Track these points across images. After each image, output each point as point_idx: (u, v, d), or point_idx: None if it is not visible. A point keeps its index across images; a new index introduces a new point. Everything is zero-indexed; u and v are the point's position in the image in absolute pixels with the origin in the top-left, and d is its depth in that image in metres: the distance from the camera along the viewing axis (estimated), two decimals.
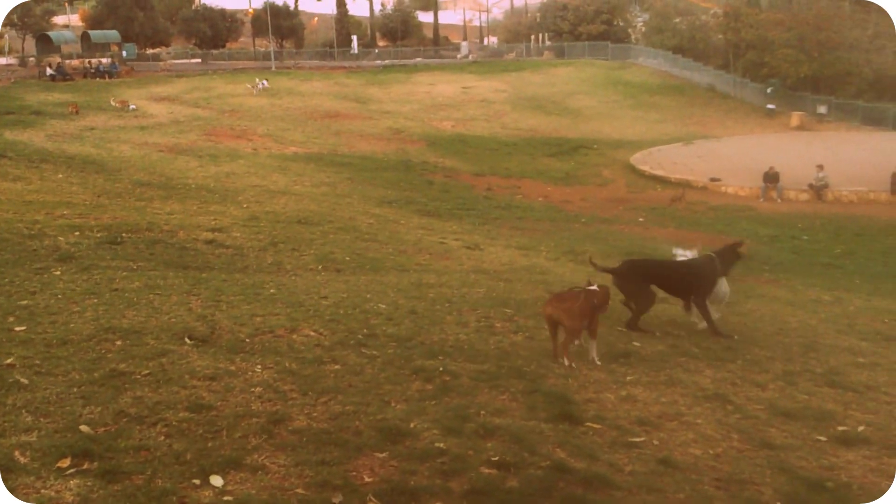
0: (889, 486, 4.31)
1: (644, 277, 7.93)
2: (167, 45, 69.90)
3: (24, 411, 4.38)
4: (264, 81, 44.48)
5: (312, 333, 6.53)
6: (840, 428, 5.47)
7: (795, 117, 42.73)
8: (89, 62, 50.80)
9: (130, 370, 5.18)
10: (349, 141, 33.62)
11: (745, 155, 32.50)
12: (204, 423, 4.47)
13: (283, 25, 72.36)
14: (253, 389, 5.06)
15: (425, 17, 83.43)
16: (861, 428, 5.48)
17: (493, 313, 7.94)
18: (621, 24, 65.23)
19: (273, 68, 55.22)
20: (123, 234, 11.03)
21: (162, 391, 4.88)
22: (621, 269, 7.95)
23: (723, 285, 8.32)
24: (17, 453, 3.86)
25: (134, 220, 12.54)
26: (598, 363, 6.47)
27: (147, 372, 5.18)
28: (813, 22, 46.40)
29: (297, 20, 76.63)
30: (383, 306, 7.81)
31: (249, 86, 43.78)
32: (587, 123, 42.18)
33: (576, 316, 6.33)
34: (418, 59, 63.38)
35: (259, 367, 5.53)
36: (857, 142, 36.27)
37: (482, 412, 5.05)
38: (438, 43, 76.18)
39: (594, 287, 6.57)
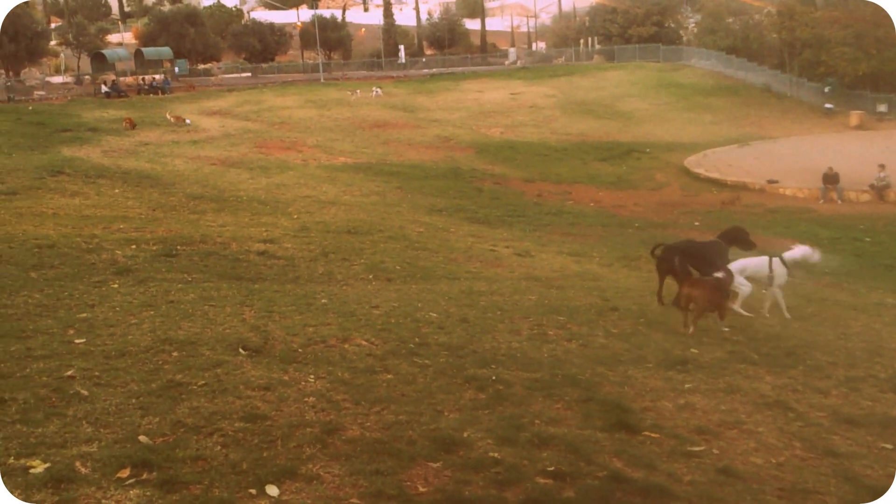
0: None
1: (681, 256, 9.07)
2: (218, 60, 71.25)
3: (84, 422, 4.47)
4: (378, 89, 47.69)
5: (364, 343, 6.55)
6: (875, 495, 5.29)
7: (854, 116, 41.62)
8: (143, 79, 52.06)
9: (187, 381, 5.25)
10: (398, 150, 33.80)
11: (803, 156, 31.76)
12: (259, 432, 4.50)
13: (330, 37, 73.25)
14: (306, 399, 5.08)
15: (472, 25, 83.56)
16: None
17: (546, 321, 7.86)
18: (672, 25, 64.37)
19: (322, 80, 55.90)
20: (178, 247, 11.24)
21: (217, 401, 4.93)
22: (663, 254, 9.36)
23: (775, 268, 9.43)
24: (77, 464, 3.93)
25: (188, 232, 12.78)
26: (726, 329, 7.99)
27: (203, 382, 5.25)
28: (870, 19, 45.06)
29: (344, 32, 77.49)
30: (434, 315, 7.79)
31: (353, 93, 46.62)
32: (639, 127, 41.69)
33: (707, 296, 7.91)
34: (465, 68, 63.48)
35: (312, 376, 5.55)
36: None
37: (536, 421, 4.99)
38: (486, 50, 76.18)
39: (721, 275, 8.19)
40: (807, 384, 6.33)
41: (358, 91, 47.21)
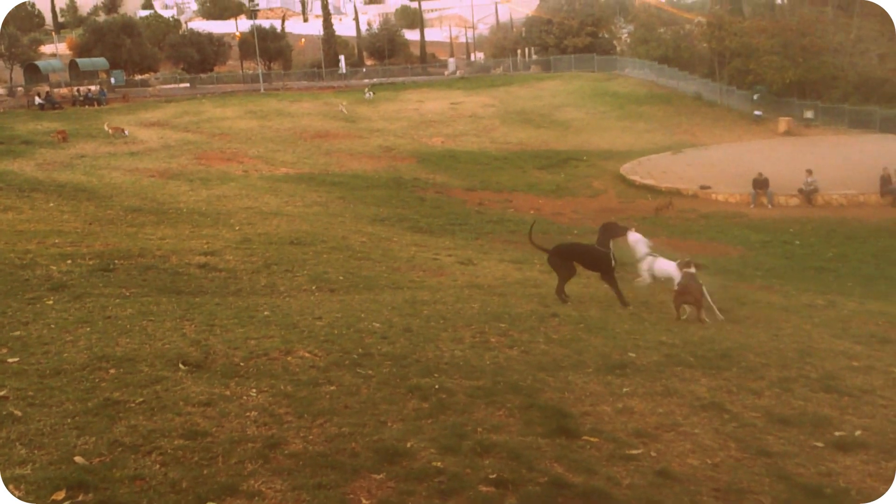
0: (887, 489, 4.31)
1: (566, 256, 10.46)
2: (155, 71, 70.04)
3: (17, 444, 4.35)
4: (371, 92, 49.87)
5: (307, 355, 6.52)
6: (837, 433, 5.45)
7: (783, 123, 43.02)
8: (78, 90, 50.84)
9: (124, 399, 5.15)
10: (340, 160, 33.69)
11: (734, 162, 32.70)
12: (199, 449, 4.44)
13: (270, 48, 72.71)
14: (248, 414, 5.04)
15: (412, 35, 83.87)
16: (858, 433, 5.47)
17: (488, 328, 7.93)
18: (606, 36, 65.72)
19: (262, 90, 55.37)
20: (115, 261, 11.02)
21: (156, 419, 4.85)
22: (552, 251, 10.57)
23: (656, 263, 11.14)
24: (11, 487, 3.83)
25: (126, 246, 12.52)
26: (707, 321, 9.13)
27: (141, 400, 5.15)
28: (796, 28, 46.84)
29: (284, 42, 77.00)
30: (378, 325, 7.80)
31: (340, 106, 46.49)
32: (576, 135, 42.40)
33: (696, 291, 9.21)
34: (406, 78, 63.60)
35: (254, 390, 5.51)
36: (845, 145, 36.56)
37: (479, 429, 5.02)
38: (426, 60, 76.52)
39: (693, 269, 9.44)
40: (741, 385, 6.48)
41: (343, 104, 46.65)
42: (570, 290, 10.51)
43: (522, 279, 12.96)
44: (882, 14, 49.21)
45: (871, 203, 25.32)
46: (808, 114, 43.64)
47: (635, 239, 11.38)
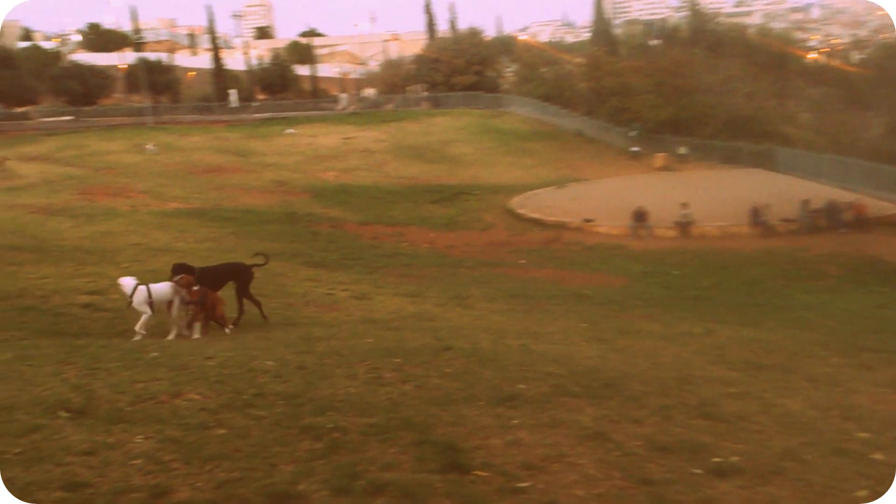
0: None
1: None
2: (35, 103, 66.97)
3: None
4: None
5: (197, 397, 6.38)
6: (714, 459, 5.59)
7: (659, 158, 44.97)
8: None
9: (0, 450, 4.92)
10: (232, 195, 33.06)
11: (614, 196, 33.89)
12: (80, 502, 4.30)
13: (158, 80, 70.69)
14: (133, 462, 4.89)
15: (303, 71, 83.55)
16: (734, 458, 5.62)
17: (383, 363, 7.94)
18: (492, 74, 67.33)
19: (150, 123, 53.79)
20: None
21: (34, 470, 4.65)
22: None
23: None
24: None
25: (4, 286, 11.93)
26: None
27: (18, 450, 4.94)
28: (669, 68, 49.40)
29: (172, 75, 75.12)
30: (271, 363, 7.70)
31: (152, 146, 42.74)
32: (466, 170, 43.14)
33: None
34: (298, 112, 63.19)
35: (140, 437, 5.35)
36: (717, 179, 38.44)
37: (372, 468, 5.03)
38: (317, 95, 76.31)
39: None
40: (624, 414, 6.62)
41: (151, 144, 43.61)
42: (462, 322, 10.70)
43: (417, 312, 13.08)
44: (748, 55, 52.76)
45: (743, 234, 26.83)
46: (682, 150, 45.74)
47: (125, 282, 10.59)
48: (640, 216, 27.50)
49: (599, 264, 22.51)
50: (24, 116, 60.17)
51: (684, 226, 27.21)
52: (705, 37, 57.89)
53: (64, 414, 5.73)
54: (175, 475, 4.76)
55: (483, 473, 5.11)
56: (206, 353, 8.04)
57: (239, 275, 11.81)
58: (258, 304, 11.62)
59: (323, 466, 5.02)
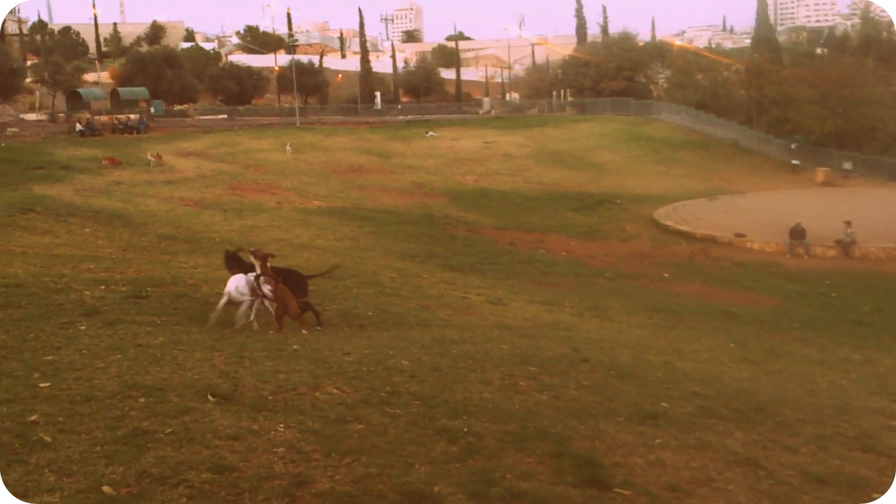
0: None
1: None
2: (194, 102, 71.49)
3: (47, 470, 4.35)
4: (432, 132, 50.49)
5: (335, 391, 6.47)
6: (874, 495, 5.24)
7: (820, 173, 42.62)
8: (117, 118, 51.92)
9: (153, 428, 5.14)
10: (372, 195, 33.91)
11: (770, 210, 32.39)
12: (226, 484, 4.41)
13: (307, 82, 73.87)
14: (276, 450, 4.99)
15: (448, 74, 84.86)
16: None
17: (518, 371, 7.83)
18: (643, 80, 65.86)
19: (298, 124, 56.16)
20: (148, 289, 11.11)
21: (185, 451, 4.82)
22: None
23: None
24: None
25: (159, 274, 12.64)
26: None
27: (170, 430, 5.14)
28: (836, 79, 46.60)
29: (321, 77, 78.26)
30: (406, 363, 7.74)
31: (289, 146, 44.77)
32: (610, 178, 42.30)
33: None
34: (441, 115, 64.17)
35: (282, 426, 5.47)
36: (883, 197, 36.05)
37: (508, 475, 4.92)
38: (461, 99, 77.27)
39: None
40: (776, 441, 6.31)
41: (288, 145, 44.55)
42: (601, 334, 10.40)
43: (553, 321, 12.86)
44: None
45: None
46: (847, 165, 43.20)
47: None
48: (797, 233, 25.99)
49: (750, 282, 21.42)
50: (184, 114, 64.27)
51: (846, 245, 25.48)
52: (878, 46, 54.24)
53: (212, 399, 5.94)
54: (315, 466, 4.81)
55: (625, 492, 4.90)
56: (343, 350, 8.18)
57: (292, 279, 11.38)
58: (317, 314, 11.08)
59: (458, 470, 4.95)
